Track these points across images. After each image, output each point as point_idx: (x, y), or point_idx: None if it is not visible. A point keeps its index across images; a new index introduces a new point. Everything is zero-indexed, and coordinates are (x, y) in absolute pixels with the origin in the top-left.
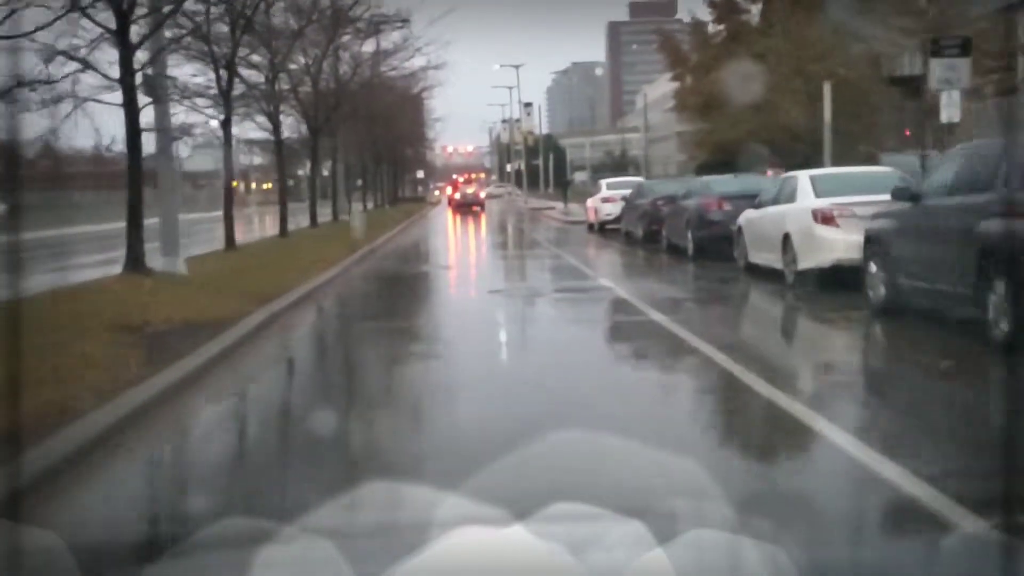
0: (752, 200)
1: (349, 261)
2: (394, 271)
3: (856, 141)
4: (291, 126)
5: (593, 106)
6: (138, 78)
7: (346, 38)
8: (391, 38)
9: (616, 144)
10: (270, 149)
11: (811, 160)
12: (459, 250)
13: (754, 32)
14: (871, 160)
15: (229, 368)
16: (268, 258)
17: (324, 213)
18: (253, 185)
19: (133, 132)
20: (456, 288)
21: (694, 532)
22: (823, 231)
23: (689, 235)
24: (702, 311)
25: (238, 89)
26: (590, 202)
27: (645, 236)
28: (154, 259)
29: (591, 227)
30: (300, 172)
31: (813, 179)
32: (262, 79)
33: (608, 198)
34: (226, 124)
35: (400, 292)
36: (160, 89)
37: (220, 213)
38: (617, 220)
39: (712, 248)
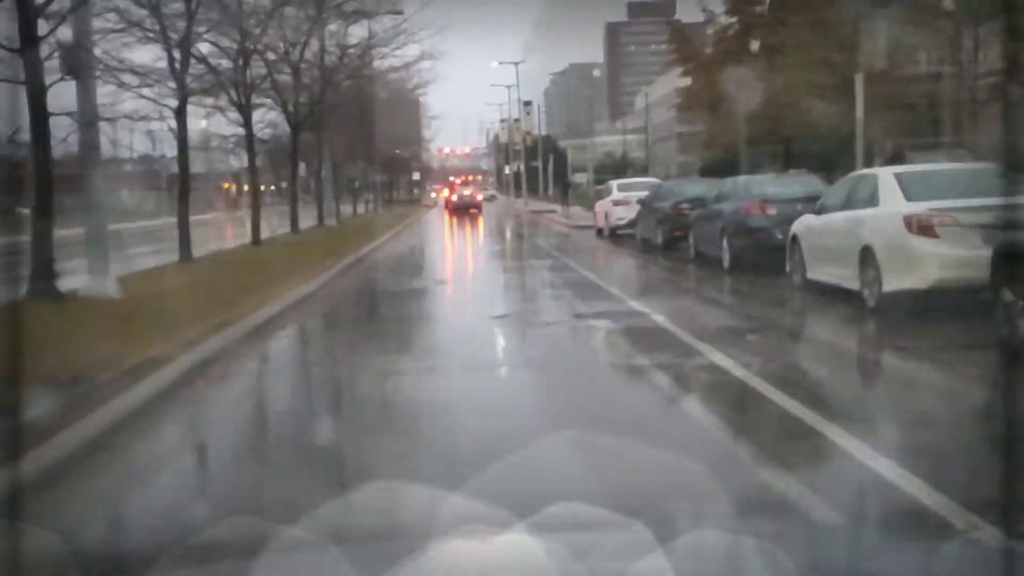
0: (804, 203)
1: (328, 276)
2: (380, 288)
3: (880, 138)
4: (275, 122)
5: (591, 107)
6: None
7: (331, 21)
8: (383, 22)
9: (615, 145)
10: (263, 148)
11: (835, 159)
12: (456, 260)
13: (770, 23)
14: (898, 159)
15: (82, 486)
16: (228, 273)
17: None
18: (246, 187)
19: (38, 117)
20: (452, 310)
21: None
22: (920, 244)
23: (725, 244)
24: (775, 349)
25: (198, 75)
26: (599, 205)
27: (665, 244)
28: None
29: (600, 232)
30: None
31: (900, 178)
32: (231, 65)
33: (620, 201)
34: (180, 112)
35: (383, 320)
36: (79, 63)
37: (207, 216)
38: (630, 225)
39: (753, 259)
